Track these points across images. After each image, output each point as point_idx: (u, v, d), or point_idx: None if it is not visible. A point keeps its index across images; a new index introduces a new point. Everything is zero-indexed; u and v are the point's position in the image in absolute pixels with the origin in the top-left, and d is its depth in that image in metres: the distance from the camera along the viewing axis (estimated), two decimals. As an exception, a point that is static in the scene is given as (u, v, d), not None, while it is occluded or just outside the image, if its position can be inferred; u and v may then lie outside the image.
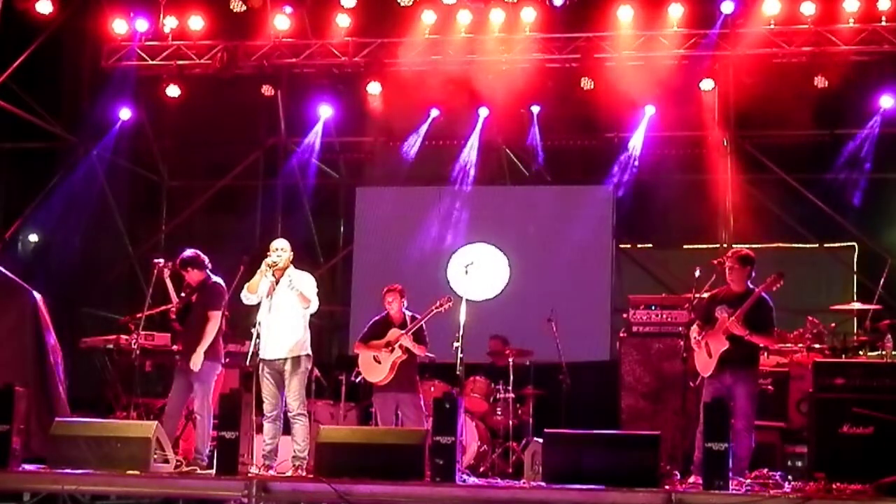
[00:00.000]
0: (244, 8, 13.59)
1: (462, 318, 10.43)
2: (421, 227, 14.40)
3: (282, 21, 13.80)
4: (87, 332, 12.10)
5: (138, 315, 10.24)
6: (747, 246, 12.09)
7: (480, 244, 14.20)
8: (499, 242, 14.15)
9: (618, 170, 14.35)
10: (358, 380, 10.83)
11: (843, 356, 10.53)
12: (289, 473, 9.22)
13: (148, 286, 10.20)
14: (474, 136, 14.81)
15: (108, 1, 14.01)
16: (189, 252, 10.06)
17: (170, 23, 13.94)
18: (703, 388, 9.27)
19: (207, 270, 10.02)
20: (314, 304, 9.57)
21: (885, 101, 13.47)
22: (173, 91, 14.06)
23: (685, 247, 14.61)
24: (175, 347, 9.98)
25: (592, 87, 13.41)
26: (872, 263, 13.21)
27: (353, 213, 14.67)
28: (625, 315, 11.99)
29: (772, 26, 12.90)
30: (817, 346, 10.68)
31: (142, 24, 14.00)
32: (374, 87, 13.81)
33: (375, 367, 10.33)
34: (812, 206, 13.46)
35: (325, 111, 14.75)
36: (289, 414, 9.42)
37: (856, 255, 14.09)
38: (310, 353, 9.59)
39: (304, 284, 9.55)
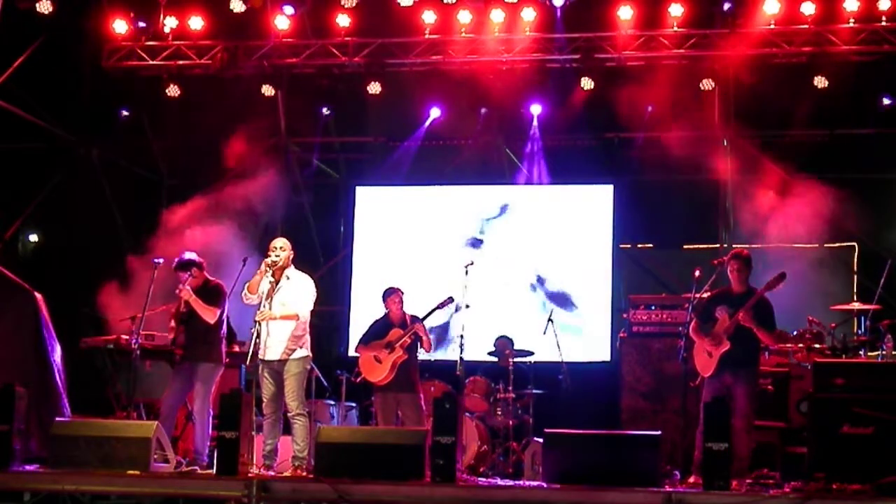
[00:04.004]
0: (244, 8, 13.58)
1: (462, 318, 10.47)
2: (421, 227, 14.41)
3: (282, 21, 13.80)
4: (87, 332, 12.09)
5: (138, 315, 10.26)
6: (747, 246, 12.12)
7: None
8: (499, 242, 14.17)
9: (618, 170, 14.37)
10: (358, 380, 10.85)
11: (843, 356, 10.53)
12: (288, 473, 9.22)
13: (148, 286, 10.20)
14: (474, 135, 14.82)
15: (108, 1, 14.00)
16: (188, 254, 10.10)
17: (170, 23, 13.93)
18: (703, 388, 9.29)
19: (205, 272, 10.10)
20: (303, 314, 9.55)
21: (886, 101, 13.46)
22: (173, 91, 14.06)
23: (685, 247, 14.61)
24: (176, 351, 10.01)
25: (592, 87, 13.41)
26: (872, 263, 13.20)
27: (353, 213, 14.67)
28: (625, 315, 12.01)
29: (772, 26, 12.90)
30: (817, 346, 10.69)
31: (142, 24, 14.00)
32: (374, 87, 13.81)
33: (376, 366, 10.37)
34: (812, 206, 13.45)
35: (325, 111, 14.74)
36: (288, 414, 9.44)
37: (856, 255, 14.09)
38: (309, 353, 9.60)
39: (293, 295, 9.54)
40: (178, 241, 13.41)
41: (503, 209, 14.31)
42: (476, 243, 14.13)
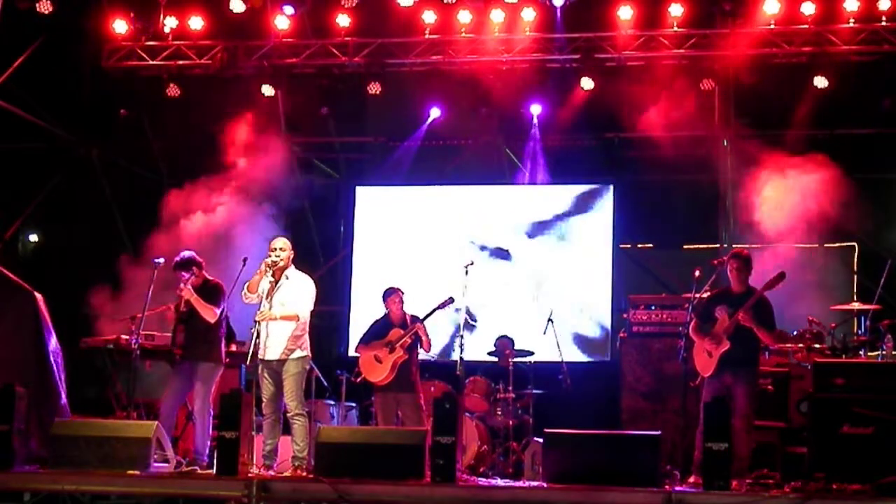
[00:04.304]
0: (244, 8, 13.58)
1: (462, 318, 10.46)
2: (421, 227, 14.42)
3: (282, 21, 13.80)
4: (87, 332, 12.09)
5: (138, 315, 10.25)
6: (747, 246, 12.12)
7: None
8: (499, 243, 14.17)
9: (618, 170, 14.37)
10: (358, 380, 10.85)
11: (843, 356, 10.52)
12: (288, 473, 9.22)
13: (148, 286, 10.20)
14: (474, 135, 14.82)
15: (108, 1, 14.01)
16: (187, 253, 10.11)
17: (170, 23, 13.93)
18: (703, 388, 9.29)
19: (204, 271, 10.12)
20: (303, 315, 9.54)
21: (885, 101, 13.46)
22: (173, 91, 14.06)
23: (685, 247, 14.61)
24: (176, 351, 10.01)
25: (592, 87, 13.42)
26: (872, 263, 13.20)
27: (353, 213, 14.68)
28: (625, 315, 12.00)
29: (772, 26, 12.90)
30: (817, 346, 10.68)
31: (142, 24, 14.00)
32: (374, 87, 13.80)
33: (376, 366, 10.37)
34: (812, 205, 13.44)
35: (327, 111, 14.74)
36: (287, 414, 9.43)
37: (856, 255, 14.09)
38: (308, 353, 9.59)
39: (293, 295, 9.52)
40: (178, 230, 13.43)
41: (503, 209, 14.31)
42: (504, 255, 14.15)
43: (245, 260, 10.09)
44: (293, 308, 9.47)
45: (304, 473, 9.10)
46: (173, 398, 9.97)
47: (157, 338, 10.96)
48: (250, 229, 13.72)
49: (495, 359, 11.97)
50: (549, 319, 11.69)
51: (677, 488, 8.42)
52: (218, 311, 9.95)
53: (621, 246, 14.23)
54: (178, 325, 10.01)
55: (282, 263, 9.55)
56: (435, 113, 14.70)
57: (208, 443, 9.73)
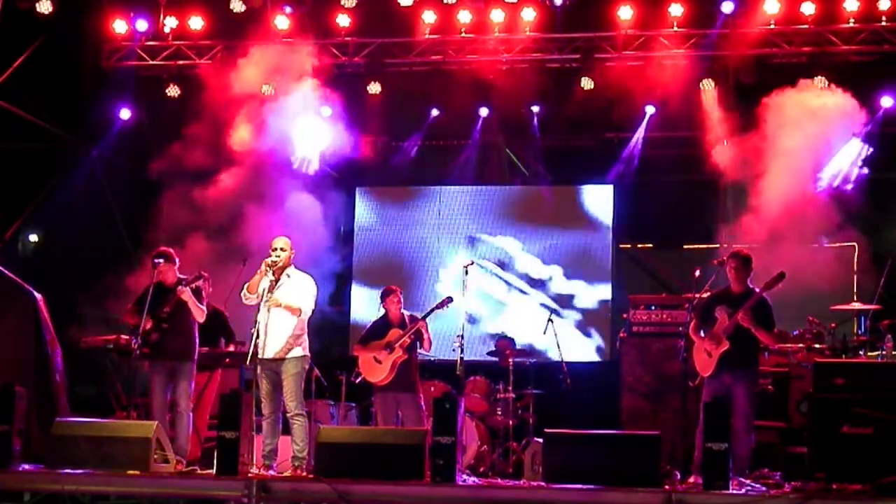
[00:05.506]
0: (244, 8, 13.59)
1: (462, 318, 10.47)
2: (421, 227, 14.42)
3: (282, 21, 13.80)
4: (87, 331, 12.09)
5: (138, 315, 10.23)
6: (747, 245, 12.11)
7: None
8: (498, 243, 14.18)
9: (618, 170, 14.37)
10: (358, 381, 10.85)
11: (843, 356, 10.53)
12: (288, 473, 9.22)
13: (148, 286, 10.19)
14: (474, 135, 14.83)
15: (108, 1, 14.01)
16: (168, 250, 10.11)
17: (170, 23, 13.94)
18: (703, 388, 9.29)
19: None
20: (306, 310, 9.53)
21: (885, 101, 13.45)
22: (173, 91, 14.06)
23: (685, 247, 14.60)
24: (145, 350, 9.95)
25: (592, 87, 13.41)
26: (872, 263, 13.20)
27: (353, 213, 14.68)
28: (625, 315, 12.01)
29: (772, 26, 12.90)
30: (817, 346, 10.69)
31: (142, 24, 14.02)
32: (374, 87, 13.80)
33: (376, 367, 10.36)
34: (812, 205, 13.44)
35: (324, 111, 14.74)
36: (287, 414, 9.43)
37: (856, 255, 14.08)
38: (307, 353, 9.58)
39: (294, 293, 9.51)
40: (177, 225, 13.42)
41: (503, 209, 14.32)
42: (504, 255, 14.15)
43: (245, 260, 10.08)
44: (296, 302, 9.44)
45: (304, 473, 9.10)
46: (162, 397, 9.91)
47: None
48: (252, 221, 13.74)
49: (495, 359, 11.98)
50: (549, 319, 11.71)
51: (677, 488, 8.42)
52: (205, 310, 9.96)
53: (621, 246, 14.25)
54: (158, 324, 9.90)
55: (281, 263, 9.54)
56: (435, 113, 14.70)
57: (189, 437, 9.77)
